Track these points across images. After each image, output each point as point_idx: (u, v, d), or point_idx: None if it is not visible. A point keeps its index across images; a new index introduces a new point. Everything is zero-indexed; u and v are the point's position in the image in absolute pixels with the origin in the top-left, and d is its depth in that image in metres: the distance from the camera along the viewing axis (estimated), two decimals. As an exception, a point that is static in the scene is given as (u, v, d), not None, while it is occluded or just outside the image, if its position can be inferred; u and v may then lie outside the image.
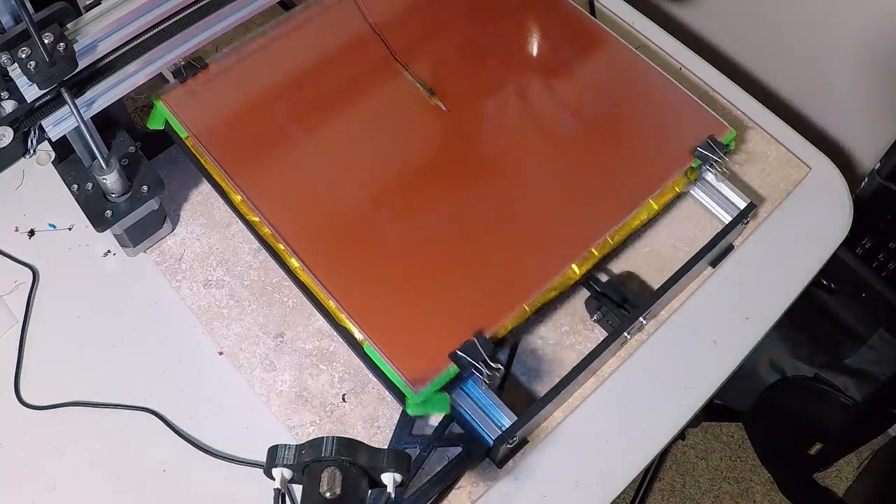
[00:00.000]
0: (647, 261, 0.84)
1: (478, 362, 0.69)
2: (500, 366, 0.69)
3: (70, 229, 0.85)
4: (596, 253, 0.77)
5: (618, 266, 0.84)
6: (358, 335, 0.72)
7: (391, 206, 0.78)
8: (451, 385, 0.71)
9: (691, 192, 0.85)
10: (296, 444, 0.52)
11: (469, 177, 0.81)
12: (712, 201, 0.84)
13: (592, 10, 1.01)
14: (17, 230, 0.85)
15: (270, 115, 0.83)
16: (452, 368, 0.70)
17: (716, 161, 0.81)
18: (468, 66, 0.88)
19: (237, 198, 0.78)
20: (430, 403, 0.70)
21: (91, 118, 0.70)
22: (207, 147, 0.80)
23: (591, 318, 0.80)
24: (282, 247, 0.75)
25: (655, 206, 0.80)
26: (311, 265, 0.74)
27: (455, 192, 0.80)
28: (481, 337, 0.71)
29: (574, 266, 0.76)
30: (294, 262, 0.75)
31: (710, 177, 0.84)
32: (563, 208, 0.79)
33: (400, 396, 0.70)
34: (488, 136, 0.84)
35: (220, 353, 0.79)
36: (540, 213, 0.79)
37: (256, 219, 0.77)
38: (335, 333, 0.76)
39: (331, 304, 0.73)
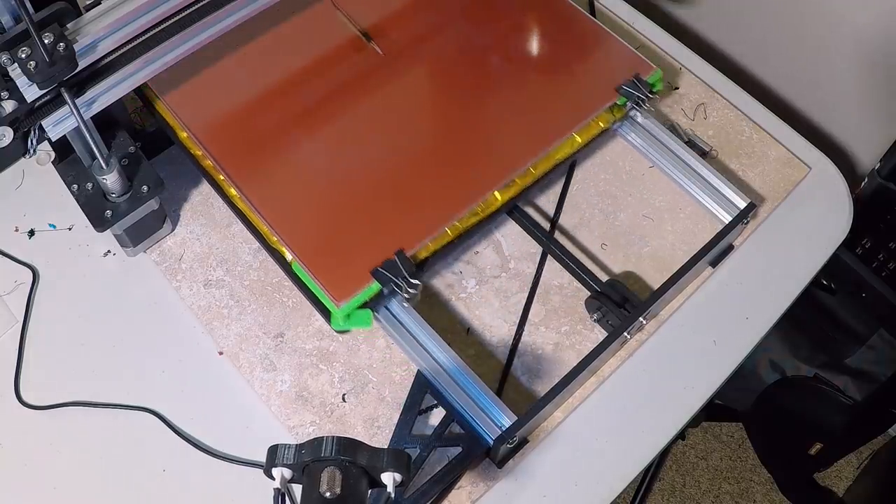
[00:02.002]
0: (647, 261, 0.84)
1: (398, 279, 0.72)
2: (419, 282, 0.73)
3: (70, 229, 0.85)
4: (518, 182, 0.80)
5: (618, 266, 0.84)
6: (288, 255, 0.75)
7: (322, 135, 0.83)
8: (376, 303, 0.74)
9: (619, 131, 0.88)
10: (296, 444, 0.52)
11: (399, 108, 0.85)
12: (712, 201, 0.84)
13: (592, 10, 1.01)
14: (17, 230, 0.85)
15: (211, 52, 0.85)
16: (375, 285, 0.73)
17: (640, 98, 0.84)
18: (406, 14, 0.91)
19: (183, 134, 0.81)
20: (353, 318, 0.73)
21: (91, 118, 0.70)
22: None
23: (591, 318, 0.80)
24: (221, 177, 0.79)
25: (579, 140, 0.83)
26: (247, 192, 0.77)
27: (384, 122, 0.84)
28: (402, 255, 0.74)
29: (496, 193, 0.79)
30: (233, 191, 0.78)
31: (637, 116, 0.87)
32: (489, 138, 0.83)
33: (325, 312, 0.74)
34: (420, 75, 0.88)
35: (220, 353, 0.79)
36: (465, 142, 0.83)
37: (200, 152, 0.80)
38: (335, 334, 0.76)
39: (264, 229, 0.76)
